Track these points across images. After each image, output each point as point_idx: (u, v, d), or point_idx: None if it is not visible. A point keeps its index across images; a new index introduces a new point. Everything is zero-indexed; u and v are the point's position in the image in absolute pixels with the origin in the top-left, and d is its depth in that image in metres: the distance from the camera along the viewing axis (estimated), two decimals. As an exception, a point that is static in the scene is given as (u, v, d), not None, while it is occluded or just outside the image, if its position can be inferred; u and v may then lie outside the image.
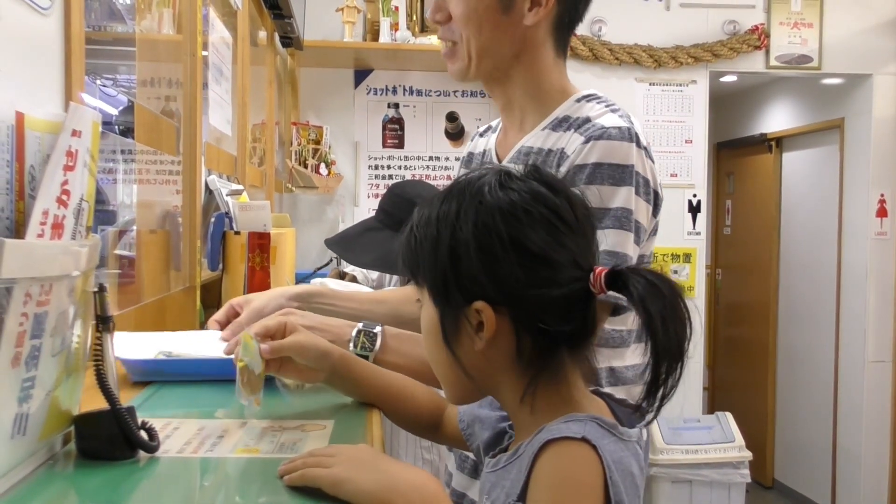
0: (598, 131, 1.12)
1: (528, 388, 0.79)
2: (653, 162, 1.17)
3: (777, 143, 4.99)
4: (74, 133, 0.73)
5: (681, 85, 3.81)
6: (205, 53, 1.79)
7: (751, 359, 5.13)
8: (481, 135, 1.40)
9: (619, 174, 1.12)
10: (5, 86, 0.89)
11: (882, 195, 3.87)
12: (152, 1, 1.58)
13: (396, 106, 3.69)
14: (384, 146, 3.68)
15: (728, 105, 5.36)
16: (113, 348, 0.82)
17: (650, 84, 3.80)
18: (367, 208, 3.57)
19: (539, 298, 0.76)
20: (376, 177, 3.67)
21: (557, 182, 0.82)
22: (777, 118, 4.94)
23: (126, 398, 0.88)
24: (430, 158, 3.70)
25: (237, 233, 1.61)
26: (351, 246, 2.36)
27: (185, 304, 1.59)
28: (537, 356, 0.79)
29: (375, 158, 3.68)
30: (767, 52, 3.82)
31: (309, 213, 3.64)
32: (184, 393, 1.12)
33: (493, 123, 1.39)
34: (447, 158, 3.71)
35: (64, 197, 0.72)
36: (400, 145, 3.69)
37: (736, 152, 5.47)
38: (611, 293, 0.77)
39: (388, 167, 3.67)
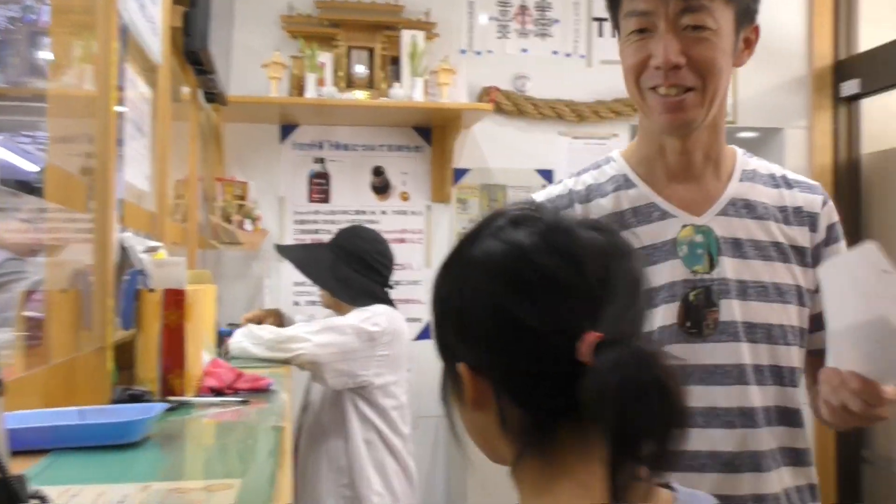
0: (823, 191, 1.33)
1: (515, 462, 0.72)
2: None
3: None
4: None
5: (603, 138, 3.91)
6: (122, 109, 1.77)
7: None
8: (563, 206, 1.27)
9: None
10: None
11: (797, 243, 4.01)
12: (73, 56, 1.56)
13: (322, 161, 3.69)
14: (310, 201, 3.67)
15: (650, 158, 5.50)
16: (3, 415, 0.79)
17: (573, 138, 3.89)
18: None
19: (513, 368, 0.69)
20: (302, 231, 3.65)
21: (576, 237, 0.71)
22: (697, 170, 5.09)
23: (21, 467, 0.85)
24: (357, 212, 3.70)
25: (152, 290, 1.57)
26: (294, 251, 2.83)
27: (97, 365, 1.54)
28: (525, 429, 0.70)
29: (301, 213, 3.66)
30: (684, 107, 3.95)
31: (234, 269, 3.59)
32: (84, 460, 1.08)
33: (595, 180, 1.30)
34: (373, 212, 3.72)
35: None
36: (326, 199, 3.69)
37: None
38: None
39: (315, 221, 3.66)
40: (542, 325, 0.67)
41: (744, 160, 1.32)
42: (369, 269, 2.61)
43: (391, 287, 2.69)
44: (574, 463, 0.69)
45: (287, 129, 3.67)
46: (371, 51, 3.54)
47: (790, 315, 1.24)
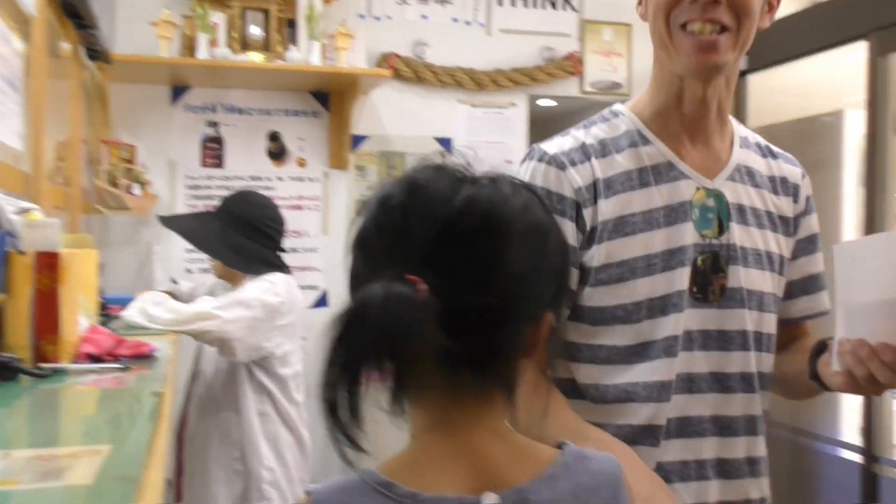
0: (798, 163, 1.34)
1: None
2: None
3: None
4: None
5: (501, 107, 3.93)
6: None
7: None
8: (580, 160, 1.22)
9: None
10: None
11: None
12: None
13: (216, 124, 3.59)
14: (203, 166, 3.57)
15: (550, 128, 5.55)
16: None
17: (472, 106, 3.89)
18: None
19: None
20: (195, 197, 3.54)
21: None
22: (593, 142, 5.18)
23: None
24: (252, 178, 3.62)
25: (22, 253, 1.49)
26: (180, 221, 2.72)
27: (-38, 332, 1.46)
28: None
29: (194, 178, 3.56)
30: (582, 79, 4.01)
31: (122, 235, 3.46)
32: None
33: (608, 135, 1.24)
34: (269, 179, 3.64)
35: None
36: (219, 165, 3.59)
37: (557, 174, 5.68)
38: None
39: (208, 187, 3.56)
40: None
41: (738, 126, 1.31)
42: (261, 234, 2.55)
43: (284, 251, 2.64)
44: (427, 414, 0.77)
45: (178, 91, 3.55)
46: (266, 12, 3.44)
47: (774, 283, 1.26)
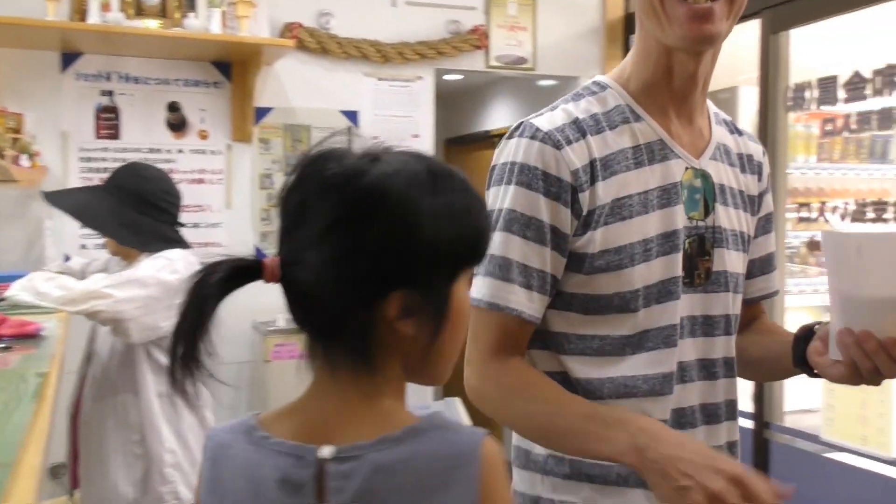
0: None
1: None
2: None
3: (500, 139, 5.25)
4: None
5: (408, 81, 3.90)
6: None
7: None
8: (575, 137, 1.13)
9: None
10: None
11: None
12: None
13: (111, 94, 3.44)
14: (97, 137, 3.42)
15: (457, 103, 5.58)
16: None
17: (378, 79, 3.85)
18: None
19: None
20: (89, 170, 3.39)
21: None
22: (500, 116, 5.22)
23: None
24: (150, 150, 3.49)
25: None
26: (67, 197, 2.58)
27: None
28: None
29: (87, 150, 3.40)
30: (487, 53, 4.01)
31: (9, 209, 3.29)
32: None
33: (600, 110, 1.16)
34: (169, 151, 3.52)
35: None
36: (115, 136, 3.44)
37: (464, 148, 5.71)
38: None
39: (103, 159, 3.41)
40: None
41: (708, 102, 1.26)
42: (156, 209, 2.44)
43: (182, 225, 2.55)
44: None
45: (69, 58, 3.38)
46: (163, -23, 3.31)
47: (744, 263, 1.24)
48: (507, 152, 1.16)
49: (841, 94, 3.09)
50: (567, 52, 4.13)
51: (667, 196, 1.15)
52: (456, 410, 3.72)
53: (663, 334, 1.13)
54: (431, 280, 0.78)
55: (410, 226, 0.76)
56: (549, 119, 1.15)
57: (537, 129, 1.13)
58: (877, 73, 2.96)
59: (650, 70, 1.16)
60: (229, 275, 0.78)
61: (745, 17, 3.73)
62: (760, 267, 1.33)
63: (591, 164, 1.12)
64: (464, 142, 5.66)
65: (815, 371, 1.16)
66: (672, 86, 1.16)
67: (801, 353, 1.18)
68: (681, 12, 1.06)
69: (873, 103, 3.03)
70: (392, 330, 0.78)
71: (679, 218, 1.15)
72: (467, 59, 3.99)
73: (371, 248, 0.75)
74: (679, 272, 1.14)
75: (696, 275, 1.17)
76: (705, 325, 1.18)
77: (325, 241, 0.76)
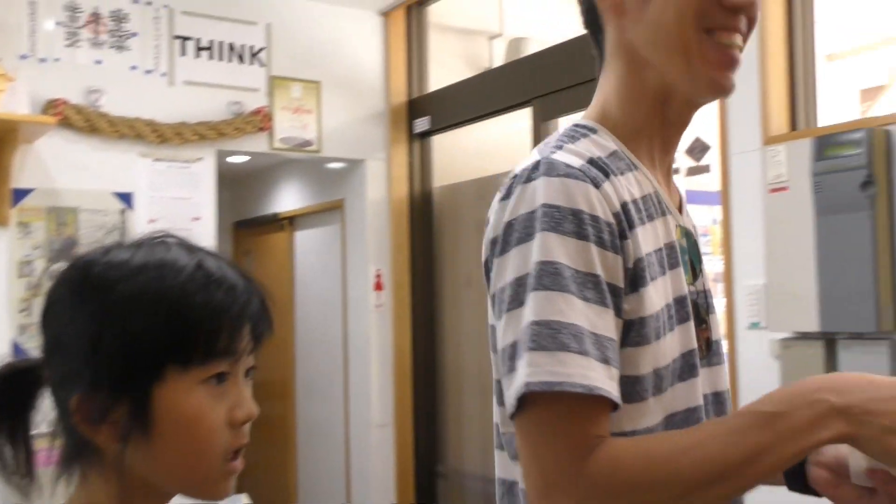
0: None
1: None
2: None
3: (290, 222, 5.17)
4: None
5: (187, 161, 3.74)
6: None
7: (273, 436, 5.15)
8: (604, 177, 0.92)
9: None
10: None
11: (377, 270, 4.19)
12: None
13: None
14: None
15: (244, 184, 5.44)
16: None
17: (155, 160, 3.66)
18: None
19: None
20: None
21: None
22: (288, 198, 5.13)
23: None
24: None
25: None
26: None
27: None
28: None
29: None
30: (272, 135, 3.94)
31: None
32: None
33: (602, 154, 0.96)
34: None
35: None
36: None
37: (253, 231, 5.55)
38: None
39: None
40: None
41: None
42: None
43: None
44: None
45: None
46: None
47: None
48: (530, 197, 0.90)
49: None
50: (352, 135, 4.14)
51: (673, 256, 0.99)
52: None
53: (693, 417, 0.94)
54: (119, 381, 0.69)
55: (89, 316, 0.69)
56: (566, 156, 0.93)
57: (568, 166, 0.91)
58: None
59: (642, 115, 1.01)
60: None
61: (516, 106, 3.90)
62: None
63: (624, 207, 0.92)
64: (253, 224, 5.51)
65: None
66: (663, 133, 1.03)
67: (800, 472, 1.01)
68: (714, 56, 0.95)
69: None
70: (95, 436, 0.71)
71: (684, 281, 0.99)
72: (251, 141, 3.89)
73: (65, 342, 0.70)
74: (695, 343, 0.97)
75: (699, 347, 1.00)
76: (716, 405, 1.02)
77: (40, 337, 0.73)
